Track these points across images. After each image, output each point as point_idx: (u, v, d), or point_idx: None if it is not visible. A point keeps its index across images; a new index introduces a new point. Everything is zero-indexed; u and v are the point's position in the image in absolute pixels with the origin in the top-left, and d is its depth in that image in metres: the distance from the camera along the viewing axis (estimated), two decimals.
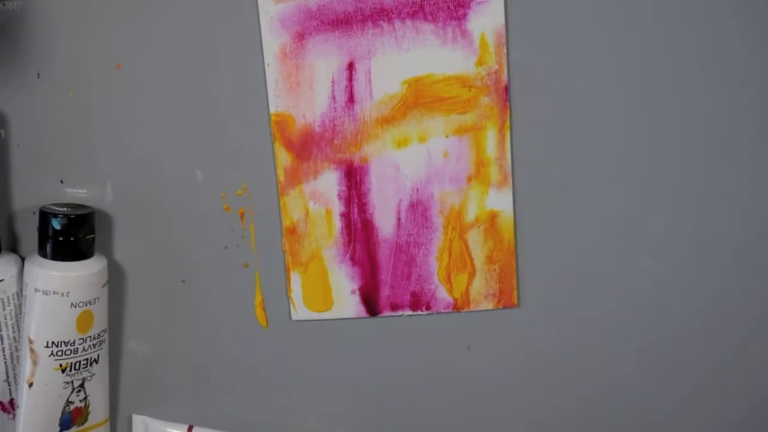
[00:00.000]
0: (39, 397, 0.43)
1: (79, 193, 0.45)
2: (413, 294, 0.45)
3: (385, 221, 0.44)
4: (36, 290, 0.42)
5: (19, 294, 0.43)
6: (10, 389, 0.45)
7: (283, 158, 0.44)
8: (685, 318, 0.45)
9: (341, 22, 0.42)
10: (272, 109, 0.43)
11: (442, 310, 0.45)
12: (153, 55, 0.43)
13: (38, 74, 0.44)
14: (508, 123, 0.42)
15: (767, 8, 0.41)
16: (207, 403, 0.48)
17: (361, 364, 0.46)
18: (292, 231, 0.44)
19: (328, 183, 0.44)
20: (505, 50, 0.42)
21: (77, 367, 0.43)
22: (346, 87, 0.42)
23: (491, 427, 0.47)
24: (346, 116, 0.43)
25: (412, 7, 0.41)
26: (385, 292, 0.45)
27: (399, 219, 0.44)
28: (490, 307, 0.45)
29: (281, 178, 0.44)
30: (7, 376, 0.44)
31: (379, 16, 0.41)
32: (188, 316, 0.46)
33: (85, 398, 0.45)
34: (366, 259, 0.44)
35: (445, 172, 0.43)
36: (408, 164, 0.43)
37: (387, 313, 0.45)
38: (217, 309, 0.46)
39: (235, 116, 0.43)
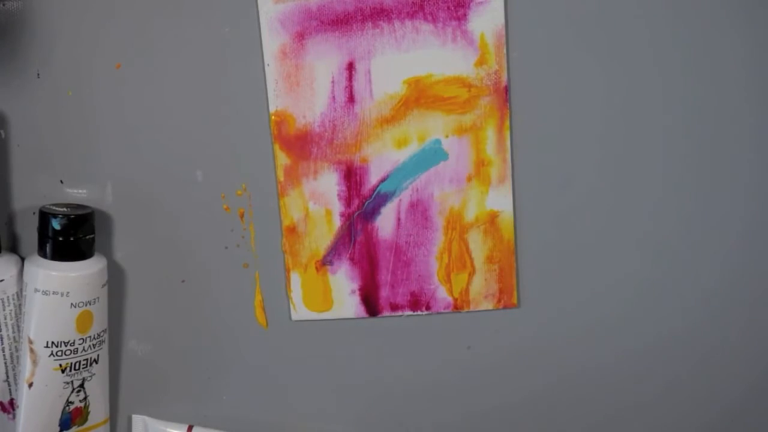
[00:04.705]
0: (39, 397, 0.43)
1: (79, 193, 0.45)
2: (413, 294, 0.45)
3: (385, 221, 0.44)
4: (36, 290, 0.42)
5: (19, 294, 0.43)
6: (10, 389, 0.45)
7: (283, 158, 0.43)
8: (686, 317, 0.45)
9: (341, 22, 0.42)
10: (272, 109, 0.43)
11: (442, 310, 0.45)
12: (153, 55, 0.43)
13: (38, 74, 0.44)
14: (507, 123, 0.42)
15: (759, 11, 0.41)
16: (207, 403, 0.48)
17: (361, 364, 0.46)
18: (292, 231, 0.44)
19: (328, 183, 0.44)
20: (505, 50, 0.42)
21: (77, 367, 0.43)
22: (346, 87, 0.42)
23: (491, 427, 0.47)
24: (346, 116, 0.43)
25: (412, 7, 0.41)
26: (384, 292, 0.45)
27: (399, 219, 0.44)
28: (490, 307, 0.45)
29: (281, 178, 0.44)
30: (7, 376, 0.44)
31: (379, 16, 0.41)
32: (188, 317, 0.46)
33: (85, 398, 0.45)
34: (366, 259, 0.44)
35: (445, 172, 0.43)
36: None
37: (387, 313, 0.45)
38: (217, 309, 0.46)
39: (235, 116, 0.43)
